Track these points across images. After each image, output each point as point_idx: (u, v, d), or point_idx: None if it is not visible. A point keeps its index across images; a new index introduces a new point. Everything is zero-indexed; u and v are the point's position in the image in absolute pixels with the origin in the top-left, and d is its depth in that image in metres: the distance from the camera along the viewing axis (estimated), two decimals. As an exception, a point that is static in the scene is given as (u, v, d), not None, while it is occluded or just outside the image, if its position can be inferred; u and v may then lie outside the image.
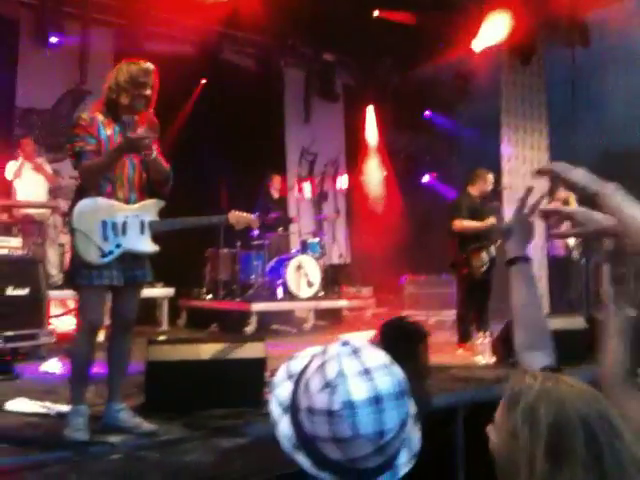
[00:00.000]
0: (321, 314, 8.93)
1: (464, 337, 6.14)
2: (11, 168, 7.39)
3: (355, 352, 1.21)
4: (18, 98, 8.31)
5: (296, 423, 1.22)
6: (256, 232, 8.91)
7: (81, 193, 3.34)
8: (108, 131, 3.36)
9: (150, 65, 3.47)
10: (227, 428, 3.26)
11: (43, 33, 8.26)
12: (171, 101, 8.73)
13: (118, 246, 3.29)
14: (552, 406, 1.15)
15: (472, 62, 9.37)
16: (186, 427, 3.33)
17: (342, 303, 9.14)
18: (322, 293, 8.71)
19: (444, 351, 5.88)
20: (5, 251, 5.77)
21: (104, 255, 3.24)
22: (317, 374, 1.20)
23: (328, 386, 1.17)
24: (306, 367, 1.26)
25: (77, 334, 3.37)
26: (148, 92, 3.40)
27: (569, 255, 7.84)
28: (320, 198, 10.97)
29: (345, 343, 1.24)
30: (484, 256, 5.92)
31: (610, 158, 8.03)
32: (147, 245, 3.44)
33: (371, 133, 11.63)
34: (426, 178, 11.01)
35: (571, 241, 7.68)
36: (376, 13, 8.97)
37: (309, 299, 8.50)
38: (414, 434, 1.27)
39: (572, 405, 1.15)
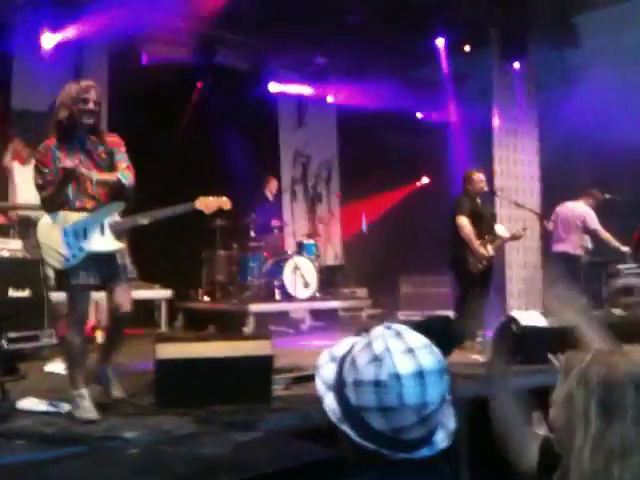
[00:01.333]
0: (317, 315, 8.99)
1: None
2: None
3: (398, 334, 1.31)
4: (13, 100, 8.29)
5: (341, 397, 1.30)
6: (252, 234, 8.97)
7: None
8: (62, 154, 3.58)
9: (90, 82, 3.69)
10: (240, 423, 3.30)
11: (38, 35, 8.26)
12: (167, 104, 8.81)
13: (81, 250, 3.55)
14: (603, 367, 1.23)
15: (463, 65, 9.48)
16: (199, 423, 3.36)
17: (338, 304, 9.20)
18: (318, 294, 8.76)
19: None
20: (5, 253, 5.75)
21: (67, 260, 3.52)
22: (364, 351, 1.30)
23: (376, 360, 1.26)
24: (349, 350, 1.34)
25: (68, 329, 3.68)
26: (90, 107, 3.59)
27: (576, 254, 7.80)
28: (314, 200, 11.01)
29: (388, 326, 1.34)
30: (487, 250, 6.00)
31: (603, 159, 8.11)
32: (110, 245, 3.66)
33: (365, 135, 11.67)
34: (424, 180, 11.11)
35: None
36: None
37: (305, 300, 8.54)
38: (450, 414, 1.34)
39: (622, 366, 1.22)
